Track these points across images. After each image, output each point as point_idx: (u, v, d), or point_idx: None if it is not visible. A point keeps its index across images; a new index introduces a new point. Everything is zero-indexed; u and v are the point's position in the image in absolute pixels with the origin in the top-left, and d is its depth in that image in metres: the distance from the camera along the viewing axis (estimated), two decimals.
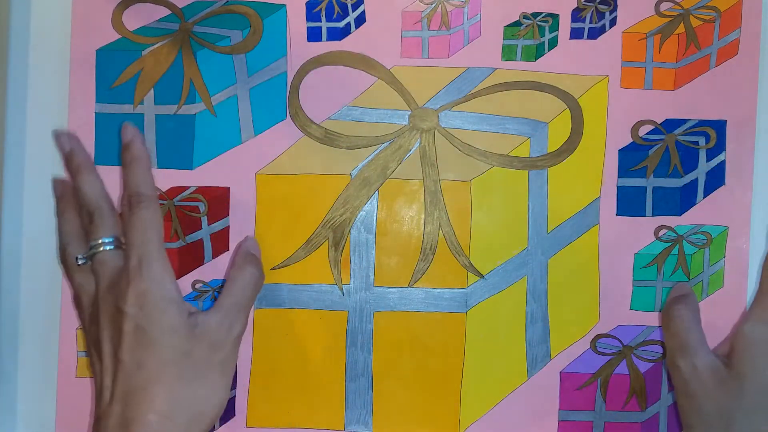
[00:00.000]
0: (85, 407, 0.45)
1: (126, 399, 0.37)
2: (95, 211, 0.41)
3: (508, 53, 0.45)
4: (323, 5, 0.45)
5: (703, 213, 0.45)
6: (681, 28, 0.45)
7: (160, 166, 0.45)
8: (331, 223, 0.45)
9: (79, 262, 0.41)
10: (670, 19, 0.45)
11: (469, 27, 0.45)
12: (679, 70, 0.45)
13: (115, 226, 0.41)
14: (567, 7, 0.45)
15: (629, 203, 0.45)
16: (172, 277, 0.38)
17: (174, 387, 0.37)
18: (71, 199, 0.43)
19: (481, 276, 0.45)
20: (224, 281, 0.45)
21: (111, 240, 0.40)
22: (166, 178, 0.45)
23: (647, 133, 0.45)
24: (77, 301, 0.42)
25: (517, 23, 0.45)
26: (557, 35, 0.45)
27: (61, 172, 0.45)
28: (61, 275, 0.45)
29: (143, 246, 0.38)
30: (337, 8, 0.45)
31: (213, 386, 0.38)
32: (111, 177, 0.44)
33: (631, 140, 0.45)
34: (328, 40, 0.45)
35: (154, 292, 0.37)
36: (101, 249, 0.40)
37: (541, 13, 0.45)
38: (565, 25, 0.45)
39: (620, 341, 0.45)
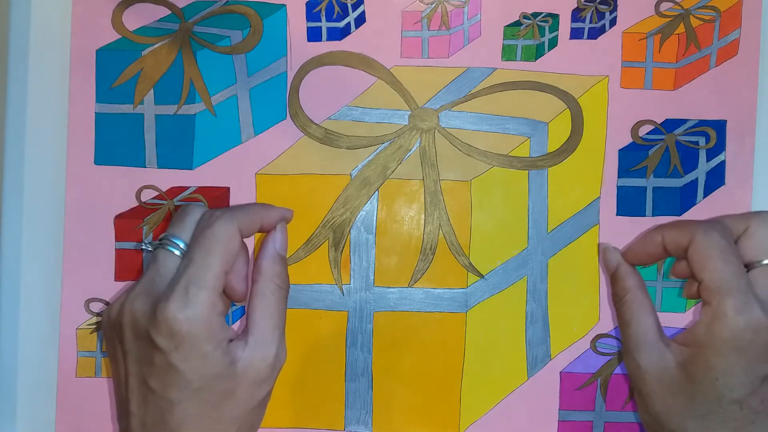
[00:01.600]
0: (85, 407, 0.45)
1: None
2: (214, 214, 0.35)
3: (508, 53, 0.45)
4: (323, 5, 0.45)
5: (703, 213, 0.45)
6: (681, 28, 0.45)
7: (160, 167, 0.45)
8: (331, 223, 0.45)
9: (143, 246, 0.36)
10: (670, 19, 0.45)
11: (469, 27, 0.45)
12: (679, 70, 0.45)
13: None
14: (567, 7, 0.45)
15: (629, 203, 0.45)
16: (218, 306, 0.33)
17: (211, 429, 0.33)
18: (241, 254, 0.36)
19: (481, 276, 0.45)
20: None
21: (182, 243, 0.35)
22: (166, 179, 0.45)
23: (647, 133, 0.45)
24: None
25: (517, 23, 0.45)
26: (557, 35, 0.45)
27: (61, 172, 0.45)
28: (61, 275, 0.45)
29: (199, 267, 0.33)
30: (337, 8, 0.45)
31: (252, 423, 0.35)
32: (110, 177, 0.45)
33: (631, 140, 0.45)
34: (328, 40, 0.45)
35: (191, 332, 0.32)
36: (165, 247, 0.34)
37: (541, 13, 0.45)
38: (565, 25, 0.45)
39: (620, 341, 0.45)
